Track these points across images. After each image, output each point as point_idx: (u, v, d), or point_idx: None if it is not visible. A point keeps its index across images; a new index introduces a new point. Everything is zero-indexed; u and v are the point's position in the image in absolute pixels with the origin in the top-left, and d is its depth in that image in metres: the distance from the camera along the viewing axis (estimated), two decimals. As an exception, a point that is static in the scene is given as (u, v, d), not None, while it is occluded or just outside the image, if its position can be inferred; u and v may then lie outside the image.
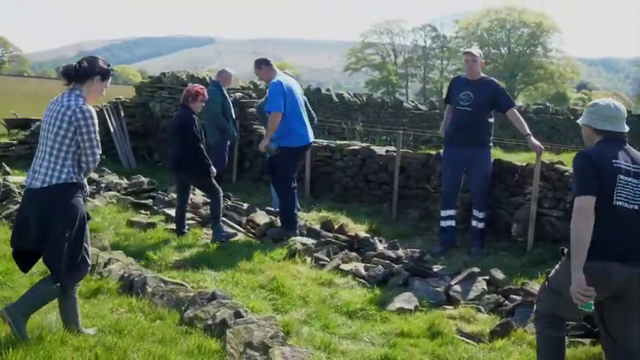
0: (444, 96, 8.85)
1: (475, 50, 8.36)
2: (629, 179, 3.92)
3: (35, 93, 28.27)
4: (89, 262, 4.71)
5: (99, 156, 4.58)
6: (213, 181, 8.21)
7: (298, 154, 8.61)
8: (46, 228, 4.42)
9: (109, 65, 4.74)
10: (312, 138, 8.65)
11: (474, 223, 8.26)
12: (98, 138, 4.55)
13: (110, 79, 4.77)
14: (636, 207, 3.92)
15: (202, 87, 8.41)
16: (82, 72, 4.57)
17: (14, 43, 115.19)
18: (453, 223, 8.33)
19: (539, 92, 73.57)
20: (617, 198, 3.90)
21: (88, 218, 4.72)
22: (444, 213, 8.33)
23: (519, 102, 25.20)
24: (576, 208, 3.89)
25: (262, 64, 8.55)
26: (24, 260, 4.70)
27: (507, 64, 73.36)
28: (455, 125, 8.25)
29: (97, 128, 4.54)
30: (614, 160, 3.94)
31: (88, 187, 4.84)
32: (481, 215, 8.20)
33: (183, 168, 8.16)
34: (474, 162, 8.10)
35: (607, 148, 4.03)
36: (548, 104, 23.01)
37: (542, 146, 7.85)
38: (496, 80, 8.51)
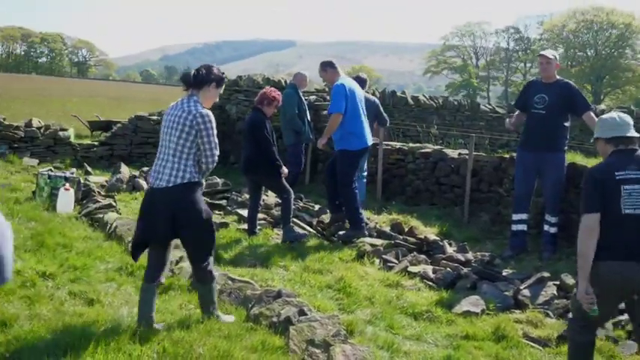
0: (516, 100, 8.67)
1: (549, 52, 8.20)
2: (635, 187, 4.19)
3: (119, 96, 29.27)
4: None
5: (217, 157, 5.00)
6: (284, 182, 8.34)
7: (357, 157, 8.65)
8: (177, 224, 4.85)
9: (222, 73, 5.16)
10: (370, 141, 8.71)
11: (546, 227, 8.12)
12: (216, 140, 4.96)
13: (224, 86, 5.26)
14: None
15: (279, 93, 8.52)
16: (199, 79, 4.96)
17: (100, 48, 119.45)
18: (524, 227, 8.20)
19: (627, 95, 71.28)
20: (625, 207, 4.18)
21: None
22: (515, 217, 8.22)
23: (603, 105, 24.50)
24: (582, 225, 4.25)
25: (327, 67, 8.65)
26: (138, 251, 5.12)
27: (594, 67, 71.46)
28: (528, 129, 8.13)
29: (215, 131, 4.94)
30: (617, 173, 4.22)
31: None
32: (554, 220, 8.05)
33: (254, 169, 8.32)
34: (548, 166, 7.96)
35: (616, 160, 4.33)
36: (633, 107, 22.23)
37: None
38: (572, 83, 8.31)
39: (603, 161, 4.49)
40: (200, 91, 4.97)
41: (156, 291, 5.07)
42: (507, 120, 8.64)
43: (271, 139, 8.20)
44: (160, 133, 5.08)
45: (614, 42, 73.38)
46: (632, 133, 4.41)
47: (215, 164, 5.02)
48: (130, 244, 5.48)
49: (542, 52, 8.24)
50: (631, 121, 4.48)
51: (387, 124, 11.06)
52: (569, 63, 75.74)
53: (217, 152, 4.99)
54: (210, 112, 4.91)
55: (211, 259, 5.13)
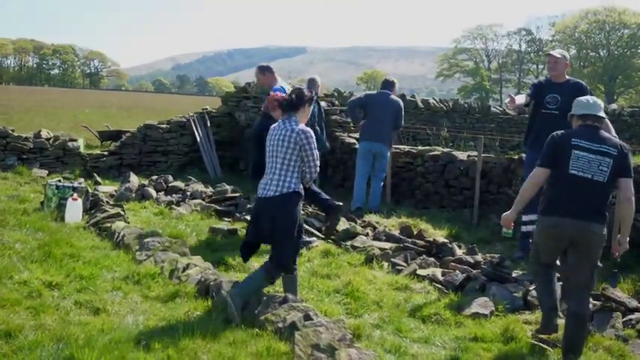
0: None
1: (557, 52, 8.10)
2: (584, 154, 5.04)
3: (130, 106, 29.38)
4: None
5: (318, 167, 5.77)
6: None
7: None
8: (276, 226, 5.57)
9: (311, 92, 6.03)
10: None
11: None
12: (317, 152, 5.69)
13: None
14: (589, 176, 5.03)
15: (285, 96, 8.45)
16: (296, 103, 5.78)
17: (112, 59, 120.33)
18: (534, 228, 8.12)
19: (641, 96, 70.86)
20: (571, 169, 5.07)
21: None
22: (525, 218, 8.14)
23: (615, 105, 24.35)
24: (532, 174, 5.36)
25: (266, 71, 8.91)
26: (247, 252, 6.05)
27: (606, 67, 71.15)
28: (540, 129, 7.89)
29: (315, 145, 5.67)
30: (573, 139, 5.13)
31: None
32: None
33: (262, 175, 8.27)
34: None
35: (578, 131, 5.27)
36: (645, 107, 22.06)
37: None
38: (583, 82, 8.17)
39: (567, 130, 5.39)
40: (297, 113, 5.78)
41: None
42: (509, 100, 8.04)
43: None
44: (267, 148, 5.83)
45: (626, 42, 73.03)
46: (601, 113, 5.29)
47: (317, 173, 5.83)
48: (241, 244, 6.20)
49: (550, 52, 8.13)
50: (601, 104, 5.39)
51: (400, 129, 11.02)
52: (582, 64, 75.43)
53: (318, 163, 5.75)
54: (310, 130, 5.68)
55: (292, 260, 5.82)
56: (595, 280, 5.27)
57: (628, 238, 5.29)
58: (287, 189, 5.57)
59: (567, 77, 7.98)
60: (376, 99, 10.49)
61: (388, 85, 10.81)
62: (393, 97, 10.52)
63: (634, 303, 6.09)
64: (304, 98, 5.81)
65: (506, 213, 5.56)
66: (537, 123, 8.01)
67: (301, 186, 5.69)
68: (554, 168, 5.17)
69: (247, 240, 5.97)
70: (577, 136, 5.15)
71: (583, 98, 5.49)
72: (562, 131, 5.32)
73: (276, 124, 5.83)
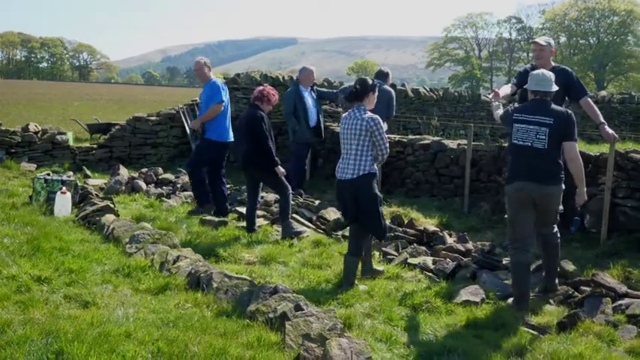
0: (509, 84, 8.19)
1: (542, 39, 7.96)
2: (522, 126, 5.91)
3: (120, 99, 29.24)
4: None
5: (388, 149, 6.45)
6: (283, 178, 8.29)
7: (222, 148, 9.54)
8: (360, 205, 6.32)
9: (373, 81, 6.60)
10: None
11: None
12: (385, 136, 6.38)
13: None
14: (529, 144, 5.86)
15: (274, 93, 8.48)
16: (361, 93, 6.41)
17: (101, 51, 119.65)
18: None
19: (631, 82, 70.94)
20: (514, 139, 5.97)
21: None
22: None
23: (604, 92, 24.40)
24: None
25: (205, 67, 9.52)
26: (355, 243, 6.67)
27: (596, 55, 71.23)
28: None
29: (384, 129, 6.38)
30: (515, 114, 6.01)
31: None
32: None
33: (252, 165, 8.28)
34: None
35: (526, 105, 6.11)
36: (633, 93, 22.09)
37: (616, 135, 7.56)
38: (569, 68, 8.13)
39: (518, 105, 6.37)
40: (363, 101, 6.39)
41: (358, 262, 6.53)
42: (493, 100, 7.95)
43: (269, 135, 8.14)
44: (340, 137, 6.55)
45: (615, 29, 73.07)
46: (552, 89, 5.99)
47: (387, 154, 6.48)
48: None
49: (535, 40, 8.05)
50: (553, 78, 6.05)
51: (391, 118, 10.98)
52: (572, 51, 75.50)
53: (388, 145, 6.43)
54: (378, 117, 6.33)
55: (382, 226, 6.50)
56: (557, 216, 6.21)
57: (585, 189, 6.11)
58: (363, 171, 6.27)
59: (553, 64, 7.87)
60: None
61: (382, 76, 10.82)
62: (385, 86, 10.50)
63: (624, 288, 6.12)
64: (368, 88, 6.42)
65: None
66: None
67: (375, 167, 6.39)
68: (509, 139, 6.14)
69: (345, 221, 7.09)
70: (519, 111, 6.04)
71: (538, 73, 6.13)
72: (511, 107, 6.27)
73: (347, 113, 6.48)
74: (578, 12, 75.06)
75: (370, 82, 6.51)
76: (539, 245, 6.29)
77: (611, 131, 7.49)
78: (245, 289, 5.69)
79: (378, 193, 6.45)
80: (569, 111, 6.01)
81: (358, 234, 6.56)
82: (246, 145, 8.27)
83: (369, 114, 6.33)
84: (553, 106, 5.99)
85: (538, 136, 5.85)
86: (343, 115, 6.56)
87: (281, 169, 8.27)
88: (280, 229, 8.39)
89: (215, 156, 9.35)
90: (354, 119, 6.31)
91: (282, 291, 5.47)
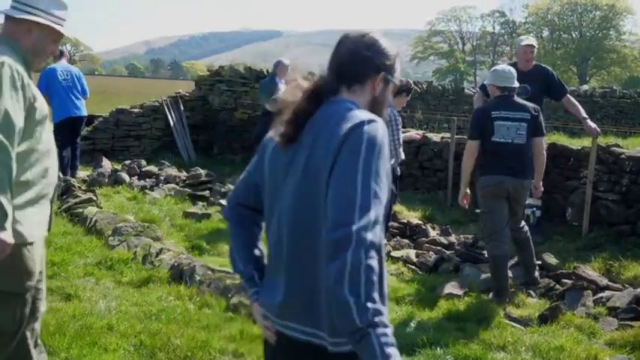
0: (482, 86, 7.87)
1: (534, 40, 7.80)
2: (503, 122, 5.93)
3: (104, 91, 29.03)
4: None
5: (401, 146, 6.91)
6: None
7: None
8: None
9: (409, 83, 7.20)
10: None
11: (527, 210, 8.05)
12: (401, 135, 6.82)
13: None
14: (509, 141, 5.94)
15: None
16: (396, 92, 6.28)
17: (85, 43, 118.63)
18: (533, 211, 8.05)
19: (612, 77, 71.33)
20: (494, 136, 5.95)
21: None
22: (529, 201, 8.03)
23: (586, 86, 24.57)
24: (466, 148, 6.26)
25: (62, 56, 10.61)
26: None
27: (579, 49, 71.50)
28: None
29: (400, 127, 6.84)
30: (493, 112, 5.98)
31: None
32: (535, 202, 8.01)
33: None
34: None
35: (496, 102, 6.08)
36: (615, 87, 22.27)
37: (598, 129, 7.59)
38: (549, 68, 8.00)
39: (487, 102, 6.34)
40: (395, 98, 6.21)
41: None
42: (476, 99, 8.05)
43: None
44: None
45: (598, 23, 73.37)
46: (515, 84, 6.08)
47: (399, 153, 6.88)
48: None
49: (529, 42, 7.72)
50: (514, 73, 6.12)
51: None
52: (555, 45, 75.79)
53: (401, 147, 6.90)
54: (397, 113, 6.77)
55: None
56: (524, 213, 6.49)
57: (542, 183, 6.33)
58: None
59: (534, 63, 7.72)
60: None
61: None
62: None
63: (605, 281, 6.18)
64: (403, 88, 6.79)
65: (461, 193, 6.32)
66: None
67: (394, 162, 6.72)
68: (483, 138, 6.04)
69: None
70: (495, 109, 6.02)
71: (503, 69, 6.21)
72: (487, 104, 6.34)
73: None
74: (560, 6, 75.29)
75: (407, 83, 6.91)
76: (512, 242, 6.33)
77: (594, 125, 7.51)
78: (228, 281, 5.69)
79: (391, 187, 6.65)
80: (536, 106, 6.17)
81: None
82: (268, 125, 8.31)
83: (389, 112, 6.43)
84: (522, 100, 6.13)
85: (518, 132, 5.94)
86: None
87: None
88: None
89: None
90: None
91: (265, 284, 5.47)
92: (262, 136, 7.35)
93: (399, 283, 6.30)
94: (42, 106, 3.08)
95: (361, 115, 2.02)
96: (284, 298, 2.09)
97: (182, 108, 14.47)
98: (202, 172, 10.99)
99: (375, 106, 2.17)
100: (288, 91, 2.20)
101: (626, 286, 6.23)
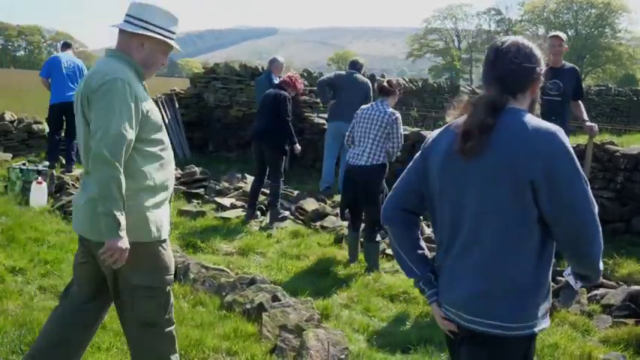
0: None
1: (561, 34, 7.60)
2: None
3: (99, 88, 28.96)
4: None
5: (402, 145, 6.77)
6: (281, 165, 8.49)
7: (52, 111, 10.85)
8: (368, 190, 6.63)
9: (401, 85, 7.20)
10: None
11: None
12: (402, 132, 6.73)
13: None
14: None
15: (301, 81, 9.13)
16: (391, 91, 6.81)
17: (80, 40, 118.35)
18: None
19: (607, 74, 71.54)
20: None
21: None
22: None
23: (583, 84, 24.63)
24: None
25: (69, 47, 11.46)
26: (344, 212, 7.19)
27: (574, 47, 71.61)
28: (541, 116, 7.46)
29: (401, 126, 6.75)
30: None
31: None
32: None
33: (266, 139, 8.36)
34: None
35: None
36: (610, 85, 22.33)
37: (596, 127, 7.49)
38: (577, 68, 7.92)
39: None
40: (388, 97, 6.79)
41: (358, 236, 6.99)
42: None
43: (290, 115, 8.39)
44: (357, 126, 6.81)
45: (593, 21, 73.61)
46: None
47: (400, 151, 6.80)
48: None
49: (555, 33, 7.58)
50: None
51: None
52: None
53: (402, 141, 6.74)
54: (398, 113, 6.76)
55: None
56: None
57: None
58: (376, 161, 6.58)
59: (563, 61, 7.58)
60: (345, 79, 10.46)
61: (355, 66, 10.80)
62: (362, 77, 10.51)
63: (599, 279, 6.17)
64: (394, 88, 6.89)
65: None
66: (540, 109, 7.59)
67: (386, 159, 6.69)
68: None
69: (346, 202, 7.01)
70: None
71: None
72: None
73: (370, 104, 6.92)
74: (556, 4, 75.52)
75: (398, 84, 7.04)
76: None
77: (592, 124, 7.44)
78: (222, 279, 5.68)
79: (384, 184, 6.77)
80: None
81: (358, 212, 6.97)
82: (266, 119, 8.37)
83: (391, 109, 6.73)
84: None
85: None
86: (363, 106, 7.00)
87: (298, 147, 8.72)
88: (259, 219, 8.42)
89: None
90: (377, 111, 6.69)
91: (259, 282, 5.47)
92: (258, 134, 7.24)
93: (394, 281, 6.27)
94: (156, 117, 3.28)
95: (542, 123, 2.29)
96: (475, 293, 2.32)
97: (177, 105, 14.43)
98: (197, 169, 10.95)
99: (532, 107, 2.44)
100: (461, 108, 2.43)
101: (621, 283, 6.24)
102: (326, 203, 9.32)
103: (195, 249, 7.16)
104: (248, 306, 5.06)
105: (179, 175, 10.80)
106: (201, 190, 9.95)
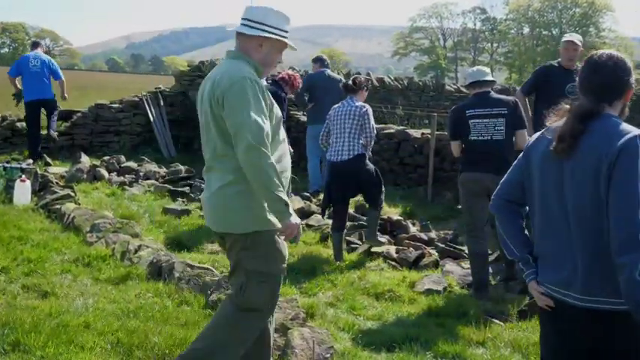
0: (524, 86, 7.76)
1: (576, 38, 7.47)
2: (479, 121, 5.98)
3: (84, 86, 28.76)
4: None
5: (375, 135, 7.18)
6: None
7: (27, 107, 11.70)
8: (360, 180, 6.99)
9: (369, 81, 7.69)
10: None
11: None
12: (374, 123, 7.12)
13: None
14: (488, 137, 5.98)
15: (299, 80, 9.20)
16: (357, 88, 7.19)
17: (64, 37, 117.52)
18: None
19: (592, 73, 71.91)
20: (472, 135, 6.02)
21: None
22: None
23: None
24: (452, 147, 6.39)
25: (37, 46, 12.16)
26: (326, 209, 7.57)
27: (559, 46, 72.08)
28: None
29: (372, 118, 7.07)
30: (467, 111, 6.06)
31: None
32: None
33: None
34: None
35: (471, 101, 6.18)
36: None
37: None
38: None
39: (466, 101, 6.37)
40: (356, 94, 7.16)
41: (343, 236, 7.14)
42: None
43: (285, 117, 8.32)
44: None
45: (578, 20, 74.05)
46: (488, 77, 6.16)
47: (373, 141, 7.20)
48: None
49: (570, 38, 7.41)
50: (487, 70, 6.30)
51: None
52: (535, 42, 76.33)
53: (375, 131, 7.16)
54: (368, 105, 7.12)
55: (382, 195, 7.33)
56: None
57: None
58: (356, 152, 6.90)
59: (577, 64, 7.36)
60: (318, 80, 10.36)
61: (324, 63, 10.74)
62: (333, 74, 10.49)
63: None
64: (362, 84, 7.24)
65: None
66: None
67: (363, 150, 7.00)
68: (460, 138, 6.17)
69: (333, 197, 7.16)
70: (470, 107, 6.10)
71: (474, 69, 6.42)
72: (462, 104, 6.37)
73: (340, 103, 7.21)
74: (541, 3, 75.90)
75: (365, 80, 7.38)
76: (495, 235, 6.38)
77: None
78: (207, 278, 5.64)
79: (372, 166, 7.15)
80: (515, 99, 6.24)
81: (343, 212, 7.14)
82: None
83: (360, 103, 7.08)
84: (499, 95, 6.21)
85: (497, 127, 5.96)
86: (335, 105, 7.26)
87: (290, 149, 8.45)
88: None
89: None
90: (348, 107, 7.04)
91: (244, 280, 5.43)
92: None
93: (379, 279, 6.27)
94: (278, 112, 3.57)
95: (629, 128, 2.53)
96: (573, 274, 2.60)
97: (162, 103, 14.38)
98: (182, 167, 10.94)
99: (623, 111, 2.73)
100: (559, 115, 2.76)
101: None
102: (311, 202, 9.31)
103: (180, 247, 7.11)
104: (233, 305, 5.04)
105: (164, 173, 10.77)
106: (186, 189, 9.92)
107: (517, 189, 2.92)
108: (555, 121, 2.79)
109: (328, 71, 10.49)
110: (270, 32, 3.52)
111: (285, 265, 3.62)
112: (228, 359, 3.59)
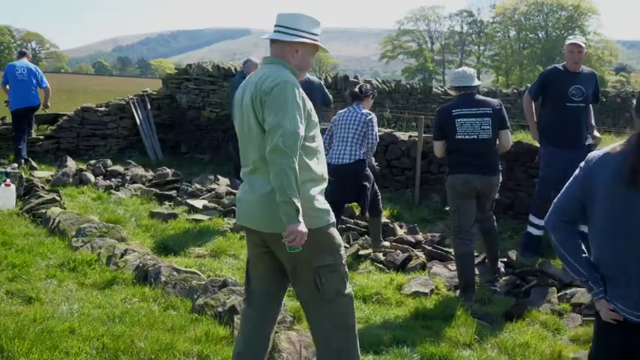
0: (531, 89, 7.58)
1: (580, 40, 7.30)
2: (465, 120, 6.03)
3: (70, 89, 28.65)
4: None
5: (377, 141, 7.33)
6: None
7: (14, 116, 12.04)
8: (357, 185, 7.17)
9: (374, 89, 7.91)
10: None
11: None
12: (377, 130, 7.32)
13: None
14: (475, 136, 6.01)
15: None
16: (363, 96, 7.45)
17: (51, 40, 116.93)
18: (541, 233, 7.31)
19: (578, 76, 72.25)
20: (458, 134, 6.06)
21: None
22: (537, 221, 7.23)
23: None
24: (435, 147, 6.45)
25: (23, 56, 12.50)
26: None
27: (545, 49, 72.44)
28: (565, 124, 7.08)
29: (376, 125, 7.30)
30: (454, 110, 6.11)
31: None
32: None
33: None
34: (577, 163, 7.07)
35: (456, 101, 6.23)
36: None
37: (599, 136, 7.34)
38: (595, 71, 7.66)
39: (447, 102, 6.50)
40: (362, 102, 7.41)
41: (379, 221, 7.59)
42: (533, 129, 7.59)
43: None
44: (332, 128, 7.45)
45: (563, 23, 74.35)
46: (474, 82, 6.20)
47: (376, 146, 7.35)
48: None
49: (575, 41, 7.25)
50: (474, 73, 6.29)
51: (331, 105, 10.88)
52: (522, 45, 76.67)
53: (378, 139, 7.33)
54: (373, 114, 7.34)
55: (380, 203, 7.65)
56: (493, 205, 6.53)
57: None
58: (358, 157, 7.13)
59: (582, 66, 7.34)
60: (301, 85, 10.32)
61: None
62: (314, 77, 10.44)
63: (569, 278, 6.21)
64: (369, 92, 7.50)
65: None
66: (561, 116, 7.14)
67: (365, 156, 7.23)
68: (446, 138, 6.20)
69: (333, 200, 6.74)
70: (456, 107, 6.15)
71: (458, 71, 6.45)
72: (447, 104, 6.43)
73: (346, 109, 7.49)
74: (527, 6, 76.19)
75: (371, 88, 7.63)
76: (480, 232, 6.50)
77: (598, 135, 7.33)
78: (194, 282, 5.62)
79: (370, 174, 7.33)
80: (499, 101, 6.31)
81: (336, 217, 7.20)
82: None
83: (366, 110, 7.35)
84: (483, 97, 6.30)
85: (483, 127, 6.01)
86: (340, 111, 7.55)
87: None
88: (231, 221, 8.36)
89: None
90: (354, 113, 7.32)
91: (231, 284, 5.42)
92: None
93: (367, 282, 6.27)
94: (315, 115, 3.65)
95: None
96: None
97: (149, 106, 14.33)
98: (169, 171, 10.89)
99: None
100: (619, 144, 2.78)
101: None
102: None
103: (166, 251, 7.09)
104: (220, 309, 5.03)
105: (151, 177, 10.73)
106: (173, 192, 9.89)
107: (576, 208, 2.91)
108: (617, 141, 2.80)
109: (308, 75, 10.44)
110: (305, 37, 3.63)
111: (344, 251, 3.73)
112: (355, 344, 3.80)
